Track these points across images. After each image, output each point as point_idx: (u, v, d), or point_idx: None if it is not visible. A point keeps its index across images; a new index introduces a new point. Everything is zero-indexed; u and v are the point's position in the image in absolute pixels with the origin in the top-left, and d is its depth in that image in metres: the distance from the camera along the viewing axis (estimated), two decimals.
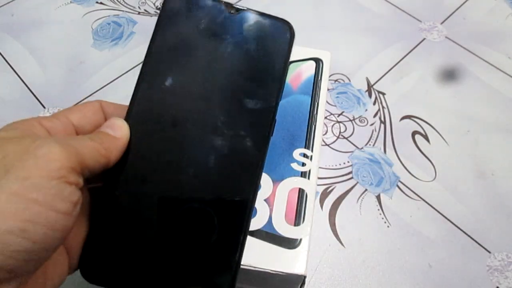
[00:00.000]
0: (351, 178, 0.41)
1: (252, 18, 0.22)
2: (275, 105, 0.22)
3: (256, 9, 0.23)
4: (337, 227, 0.38)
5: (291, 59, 0.33)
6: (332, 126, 0.45)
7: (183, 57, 0.22)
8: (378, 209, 0.39)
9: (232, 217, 0.20)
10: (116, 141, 0.20)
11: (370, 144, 0.43)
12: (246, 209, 0.21)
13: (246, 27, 0.22)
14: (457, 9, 0.56)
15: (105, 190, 0.21)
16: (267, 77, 0.22)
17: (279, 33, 0.22)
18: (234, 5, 0.22)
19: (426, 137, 0.44)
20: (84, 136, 0.19)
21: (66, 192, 0.16)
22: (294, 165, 0.27)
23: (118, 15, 0.55)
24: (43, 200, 0.15)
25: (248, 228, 0.21)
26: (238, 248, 0.20)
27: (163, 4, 0.22)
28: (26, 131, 0.18)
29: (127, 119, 0.21)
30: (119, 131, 0.20)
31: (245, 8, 0.22)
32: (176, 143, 0.21)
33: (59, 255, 0.19)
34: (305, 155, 0.28)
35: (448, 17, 0.55)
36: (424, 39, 0.53)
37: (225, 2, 0.22)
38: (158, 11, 0.22)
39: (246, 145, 0.21)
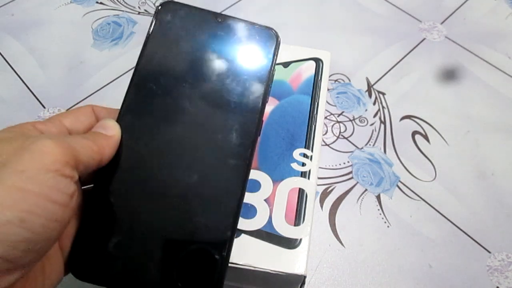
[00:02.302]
0: (351, 178, 0.41)
1: (238, 27, 0.24)
2: (262, 107, 0.23)
3: (243, 18, 0.24)
4: (337, 227, 0.38)
5: (292, 59, 0.33)
6: (332, 126, 0.45)
7: (172, 63, 0.23)
8: (378, 209, 0.39)
9: (220, 215, 0.21)
10: (108, 139, 0.20)
11: (370, 144, 0.43)
12: (234, 208, 0.21)
13: (233, 35, 0.24)
14: (457, 9, 0.56)
15: (96, 189, 0.21)
16: (253, 82, 0.23)
17: (265, 40, 0.24)
18: (222, 14, 0.24)
19: (426, 137, 0.44)
20: (78, 135, 0.20)
21: (62, 184, 0.16)
22: (294, 165, 0.27)
23: (118, 15, 0.55)
24: (40, 192, 0.15)
25: (237, 226, 0.21)
26: (226, 246, 0.20)
27: (155, 14, 0.24)
28: (20, 133, 0.18)
29: (118, 120, 0.22)
30: (111, 130, 0.21)
31: (232, 17, 0.24)
32: (166, 143, 0.22)
33: (55, 253, 0.19)
34: (305, 155, 0.28)
35: (448, 17, 0.55)
36: (424, 39, 0.53)
37: (212, 12, 0.24)
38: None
39: (234, 146, 0.22)
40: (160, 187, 0.21)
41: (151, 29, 0.23)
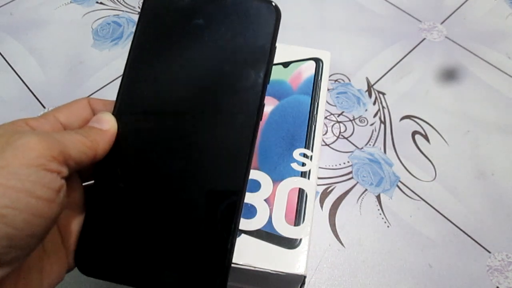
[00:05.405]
0: (351, 178, 0.41)
1: (235, 1, 0.22)
2: (263, 88, 0.21)
3: None
4: (337, 227, 0.38)
5: (292, 59, 0.33)
6: (332, 126, 0.45)
7: (167, 45, 0.22)
8: (378, 209, 0.39)
9: (222, 210, 0.20)
10: (102, 133, 0.20)
11: (370, 144, 0.43)
12: (236, 202, 0.20)
13: (230, 11, 0.22)
14: (457, 9, 0.56)
15: (98, 183, 0.21)
16: (254, 60, 0.22)
17: (264, 14, 0.22)
18: None
19: (426, 137, 0.44)
20: (70, 130, 0.19)
21: (46, 179, 0.16)
22: (294, 165, 0.27)
23: (118, 15, 0.55)
24: (22, 187, 0.15)
25: (239, 223, 0.21)
26: (229, 240, 0.20)
27: None
28: (10, 130, 0.18)
29: (114, 113, 0.21)
30: (106, 124, 0.20)
31: None
32: (164, 134, 0.21)
33: (57, 252, 0.19)
34: (305, 155, 0.28)
35: (448, 17, 0.55)
36: (424, 39, 0.53)
37: None
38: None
39: (234, 131, 0.21)
40: (162, 179, 0.21)
41: (142, 12, 0.22)
